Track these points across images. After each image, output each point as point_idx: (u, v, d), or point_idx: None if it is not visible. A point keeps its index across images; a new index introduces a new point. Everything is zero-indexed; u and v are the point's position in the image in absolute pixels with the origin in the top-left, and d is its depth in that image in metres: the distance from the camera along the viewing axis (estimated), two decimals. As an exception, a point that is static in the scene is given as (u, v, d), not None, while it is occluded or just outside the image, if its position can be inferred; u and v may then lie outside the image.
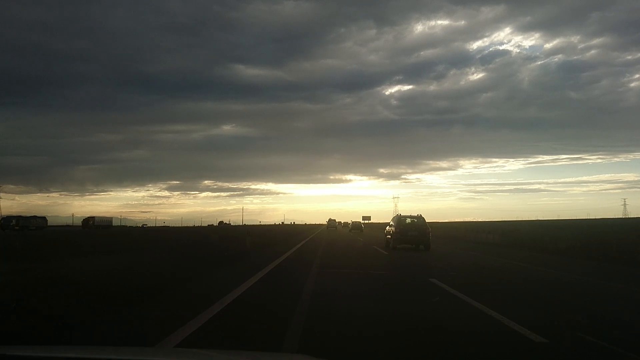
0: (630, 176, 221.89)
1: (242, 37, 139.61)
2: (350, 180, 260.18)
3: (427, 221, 21.23)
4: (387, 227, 22.76)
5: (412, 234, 20.08)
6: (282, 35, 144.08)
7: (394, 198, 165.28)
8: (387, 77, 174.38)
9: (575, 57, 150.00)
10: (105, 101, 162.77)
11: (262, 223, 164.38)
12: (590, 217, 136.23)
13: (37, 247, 19.16)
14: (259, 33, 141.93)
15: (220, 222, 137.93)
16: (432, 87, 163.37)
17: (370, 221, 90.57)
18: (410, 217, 21.50)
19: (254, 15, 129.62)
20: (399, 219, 21.20)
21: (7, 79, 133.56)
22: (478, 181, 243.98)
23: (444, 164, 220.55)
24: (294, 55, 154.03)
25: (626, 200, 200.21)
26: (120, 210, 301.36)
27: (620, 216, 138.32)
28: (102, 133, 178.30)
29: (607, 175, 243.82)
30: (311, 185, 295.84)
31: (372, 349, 4.21)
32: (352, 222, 59.60)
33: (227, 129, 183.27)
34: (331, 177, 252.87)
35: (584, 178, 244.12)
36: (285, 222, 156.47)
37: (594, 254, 16.61)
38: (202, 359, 2.19)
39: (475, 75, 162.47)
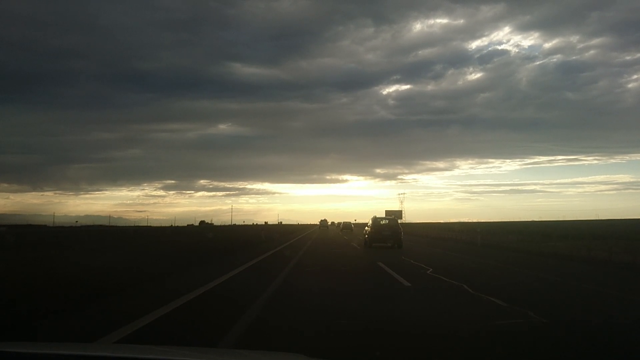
0: (625, 177, 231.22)
1: (238, 34, 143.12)
2: (346, 181, 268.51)
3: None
4: (365, 227, 27.11)
5: (386, 233, 24.00)
6: (279, 33, 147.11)
7: (399, 195, 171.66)
8: (385, 77, 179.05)
9: (573, 57, 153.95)
10: (100, 99, 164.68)
11: (245, 223, 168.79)
12: (600, 218, 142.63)
13: None
14: (256, 30, 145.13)
15: (202, 222, 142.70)
16: (430, 87, 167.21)
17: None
18: (385, 218, 26.35)
19: (251, 12, 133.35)
20: (375, 220, 25.36)
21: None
22: (474, 182, 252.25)
23: (440, 164, 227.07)
24: (290, 54, 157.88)
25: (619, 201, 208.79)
26: (115, 210, 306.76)
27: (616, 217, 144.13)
28: (97, 131, 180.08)
29: (602, 176, 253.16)
30: (307, 185, 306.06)
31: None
32: (343, 222, 67.83)
33: (223, 128, 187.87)
34: (327, 177, 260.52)
35: (580, 179, 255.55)
36: (269, 222, 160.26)
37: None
38: (197, 356, 2.26)
39: (473, 75, 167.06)
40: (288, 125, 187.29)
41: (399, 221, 39.86)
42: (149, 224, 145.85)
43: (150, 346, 3.05)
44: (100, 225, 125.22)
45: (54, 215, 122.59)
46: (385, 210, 52.04)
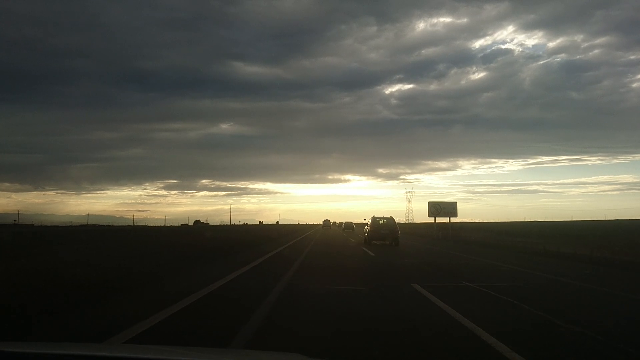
0: (628, 177, 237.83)
1: (240, 33, 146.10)
2: (348, 180, 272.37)
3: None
4: (365, 227, 29.67)
5: (383, 232, 26.26)
6: (281, 32, 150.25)
7: (406, 192, 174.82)
8: (388, 76, 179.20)
9: (578, 57, 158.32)
10: (102, 98, 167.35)
11: (241, 222, 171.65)
12: (608, 219, 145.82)
13: None
14: (258, 29, 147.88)
15: (196, 222, 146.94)
16: (433, 87, 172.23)
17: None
18: (383, 218, 28.21)
19: (253, 11, 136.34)
20: (374, 220, 27.52)
21: (1, 74, 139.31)
22: (476, 182, 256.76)
23: (443, 164, 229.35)
24: (293, 53, 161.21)
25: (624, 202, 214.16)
26: (116, 209, 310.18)
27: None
28: (99, 131, 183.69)
29: (605, 176, 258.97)
30: (309, 185, 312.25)
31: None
32: (345, 222, 74.41)
33: (225, 127, 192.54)
34: (329, 177, 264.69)
35: (583, 179, 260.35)
36: (264, 222, 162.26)
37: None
38: (198, 356, 2.37)
39: (476, 74, 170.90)
40: (290, 125, 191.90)
41: (452, 220, 40.86)
42: (135, 224, 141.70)
43: (149, 346, 3.17)
44: (80, 225, 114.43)
45: (18, 214, 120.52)
46: (429, 202, 42.82)
